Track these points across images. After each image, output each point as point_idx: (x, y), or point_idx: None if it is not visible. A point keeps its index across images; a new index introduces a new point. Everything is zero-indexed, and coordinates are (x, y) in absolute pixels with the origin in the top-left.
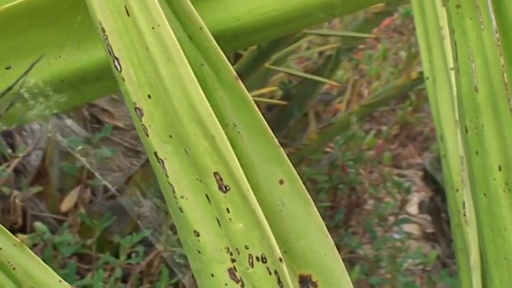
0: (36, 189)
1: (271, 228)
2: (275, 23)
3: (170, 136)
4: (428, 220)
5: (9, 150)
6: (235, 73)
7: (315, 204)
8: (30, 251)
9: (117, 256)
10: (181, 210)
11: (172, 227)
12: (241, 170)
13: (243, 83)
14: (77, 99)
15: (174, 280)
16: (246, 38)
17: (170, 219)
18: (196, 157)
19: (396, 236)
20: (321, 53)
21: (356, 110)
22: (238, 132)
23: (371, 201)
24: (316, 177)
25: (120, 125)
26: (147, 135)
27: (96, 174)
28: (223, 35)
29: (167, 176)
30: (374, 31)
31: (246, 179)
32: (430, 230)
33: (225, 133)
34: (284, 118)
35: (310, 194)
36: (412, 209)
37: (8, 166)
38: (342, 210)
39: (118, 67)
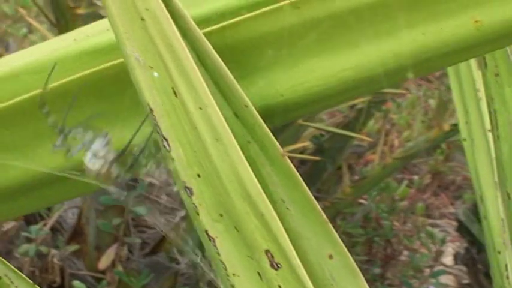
0: (73, 247)
1: None
2: (318, 98)
3: (221, 215)
4: (464, 271)
5: (46, 209)
6: (281, 149)
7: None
8: None
9: None
10: (233, 287)
11: (210, 284)
12: (291, 246)
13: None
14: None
15: None
16: (290, 113)
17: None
18: (247, 235)
19: None
20: (352, 106)
21: (389, 163)
22: (287, 208)
23: (406, 253)
24: (351, 230)
25: (156, 182)
26: (198, 214)
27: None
28: (267, 110)
29: (219, 254)
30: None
31: (296, 256)
32: (466, 281)
33: (274, 209)
34: (317, 172)
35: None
36: (447, 259)
37: (44, 225)
38: (377, 263)
39: (167, 147)
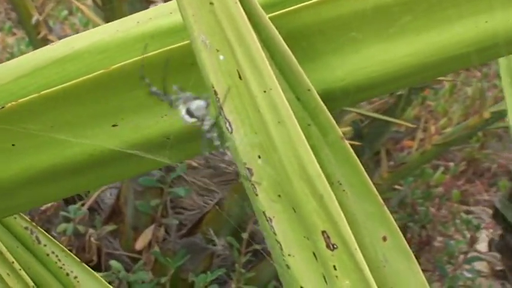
0: (111, 227)
1: (376, 284)
2: (378, 83)
3: (279, 195)
4: (498, 258)
5: None
6: (341, 133)
7: None
8: None
9: None
10: (288, 267)
11: (245, 265)
12: (348, 228)
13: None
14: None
15: None
16: (351, 97)
17: (243, 257)
18: (305, 216)
19: (466, 274)
20: (391, 93)
21: (428, 149)
22: (343, 190)
23: (440, 239)
24: None
25: (194, 164)
26: (256, 195)
27: None
28: (328, 94)
29: (275, 234)
30: None
31: (353, 238)
32: (499, 268)
33: (332, 191)
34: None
35: None
36: (482, 246)
37: (82, 204)
38: (412, 248)
39: (229, 128)
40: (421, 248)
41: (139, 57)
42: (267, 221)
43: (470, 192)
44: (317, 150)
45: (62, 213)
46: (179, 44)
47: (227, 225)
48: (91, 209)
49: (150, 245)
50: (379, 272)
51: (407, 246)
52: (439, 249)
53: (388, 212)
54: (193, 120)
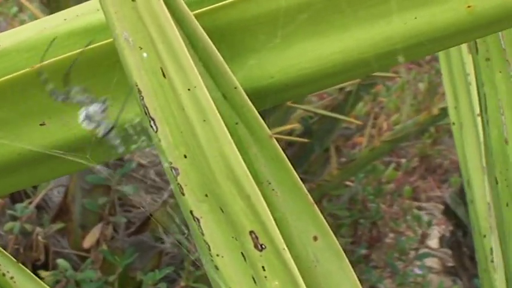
0: (59, 225)
1: (306, 284)
2: (309, 80)
3: (206, 195)
4: (449, 254)
5: (31, 187)
6: (269, 131)
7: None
8: None
9: None
10: (216, 268)
11: (194, 263)
12: (276, 228)
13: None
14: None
15: None
16: (280, 95)
17: (192, 255)
18: (232, 216)
19: (417, 270)
20: (341, 89)
21: (377, 146)
22: (273, 190)
23: (392, 235)
24: (337, 212)
25: (142, 162)
26: (183, 194)
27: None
28: (256, 92)
29: (203, 234)
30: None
31: (281, 238)
32: (450, 264)
33: (260, 191)
34: (305, 154)
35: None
36: (433, 242)
37: (30, 203)
38: (363, 245)
39: (154, 127)
40: (372, 244)
41: (65, 55)
42: (195, 221)
43: (422, 188)
44: (245, 149)
45: (9, 211)
46: (102, 43)
47: (175, 223)
48: (38, 207)
49: (98, 243)
50: (310, 272)
51: (339, 246)
52: (390, 245)
53: (318, 211)
54: (92, 125)
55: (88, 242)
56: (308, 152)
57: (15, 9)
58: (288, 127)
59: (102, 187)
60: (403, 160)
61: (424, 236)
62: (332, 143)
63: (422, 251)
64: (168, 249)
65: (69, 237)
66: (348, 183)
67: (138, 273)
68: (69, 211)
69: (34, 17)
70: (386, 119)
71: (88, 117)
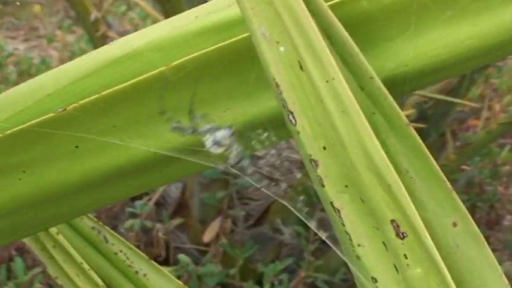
0: (178, 221)
1: (448, 270)
2: (443, 67)
3: (346, 186)
4: None
5: None
6: (406, 119)
7: None
8: None
9: (260, 284)
10: (358, 257)
11: (314, 253)
12: (418, 216)
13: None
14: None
15: None
16: (414, 83)
17: (311, 245)
18: (373, 205)
19: None
20: None
21: (493, 128)
22: (411, 178)
23: (510, 217)
24: None
25: (258, 153)
26: (323, 186)
27: None
28: (391, 81)
29: (343, 225)
30: None
31: (423, 225)
32: None
33: (400, 180)
34: (421, 139)
35: None
36: None
37: (149, 200)
38: (481, 228)
39: (293, 120)
40: (490, 227)
41: (193, 55)
42: (335, 212)
43: None
44: (383, 138)
45: (128, 209)
46: (237, 38)
47: (294, 214)
48: (157, 204)
49: (217, 237)
50: (450, 258)
51: (478, 231)
52: (509, 228)
53: (457, 197)
54: (221, 149)
55: (208, 236)
56: (424, 137)
57: (123, 7)
58: (404, 112)
59: (219, 181)
60: None
61: None
62: (447, 127)
63: None
64: (287, 240)
65: (189, 232)
66: (463, 167)
67: (259, 265)
68: (188, 206)
69: (144, 14)
70: (498, 101)
71: (217, 143)
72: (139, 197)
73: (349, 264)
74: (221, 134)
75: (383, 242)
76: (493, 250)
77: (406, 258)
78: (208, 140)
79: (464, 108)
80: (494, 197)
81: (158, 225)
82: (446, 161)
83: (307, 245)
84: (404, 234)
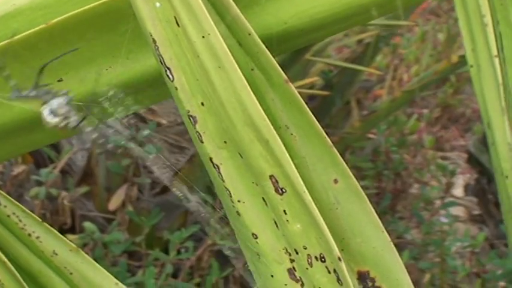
0: (84, 189)
1: (328, 227)
2: (323, 24)
3: (225, 142)
4: (475, 202)
5: (55, 152)
6: (285, 76)
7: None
8: (86, 255)
9: (166, 252)
10: (238, 214)
11: (221, 221)
12: (296, 172)
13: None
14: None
15: (224, 273)
16: (294, 41)
17: (217, 212)
18: (252, 161)
19: (443, 219)
20: (359, 41)
21: (398, 96)
22: (291, 134)
23: (416, 186)
24: (361, 164)
25: (164, 122)
26: (202, 142)
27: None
28: (271, 38)
29: (223, 181)
30: (411, 15)
31: (301, 181)
32: (476, 212)
33: (278, 136)
34: (326, 107)
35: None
36: (458, 191)
37: (54, 168)
38: (387, 196)
39: (170, 76)
40: (396, 195)
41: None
42: (214, 167)
43: (446, 138)
44: (262, 94)
45: (34, 177)
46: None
47: (200, 182)
48: (63, 172)
49: (123, 205)
50: (331, 214)
51: (359, 187)
52: (416, 196)
53: (337, 154)
54: (57, 119)
55: (113, 204)
56: (329, 106)
57: None
58: (308, 81)
59: (125, 149)
60: (425, 111)
61: (449, 185)
62: (353, 95)
63: (447, 200)
64: (194, 208)
65: (95, 200)
66: (370, 135)
67: (165, 233)
68: (94, 174)
69: None
70: (406, 71)
71: (54, 112)
72: (44, 165)
73: (231, 222)
74: (57, 102)
75: (263, 198)
76: (400, 218)
77: (286, 213)
78: (44, 111)
79: (371, 77)
80: (400, 166)
81: (64, 193)
82: (352, 129)
83: (214, 212)
84: (283, 190)
